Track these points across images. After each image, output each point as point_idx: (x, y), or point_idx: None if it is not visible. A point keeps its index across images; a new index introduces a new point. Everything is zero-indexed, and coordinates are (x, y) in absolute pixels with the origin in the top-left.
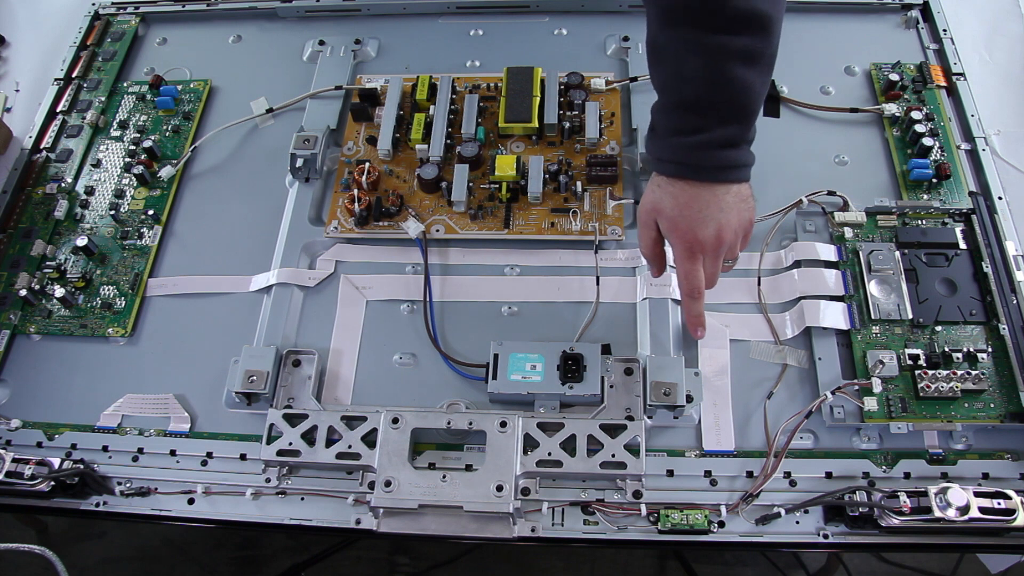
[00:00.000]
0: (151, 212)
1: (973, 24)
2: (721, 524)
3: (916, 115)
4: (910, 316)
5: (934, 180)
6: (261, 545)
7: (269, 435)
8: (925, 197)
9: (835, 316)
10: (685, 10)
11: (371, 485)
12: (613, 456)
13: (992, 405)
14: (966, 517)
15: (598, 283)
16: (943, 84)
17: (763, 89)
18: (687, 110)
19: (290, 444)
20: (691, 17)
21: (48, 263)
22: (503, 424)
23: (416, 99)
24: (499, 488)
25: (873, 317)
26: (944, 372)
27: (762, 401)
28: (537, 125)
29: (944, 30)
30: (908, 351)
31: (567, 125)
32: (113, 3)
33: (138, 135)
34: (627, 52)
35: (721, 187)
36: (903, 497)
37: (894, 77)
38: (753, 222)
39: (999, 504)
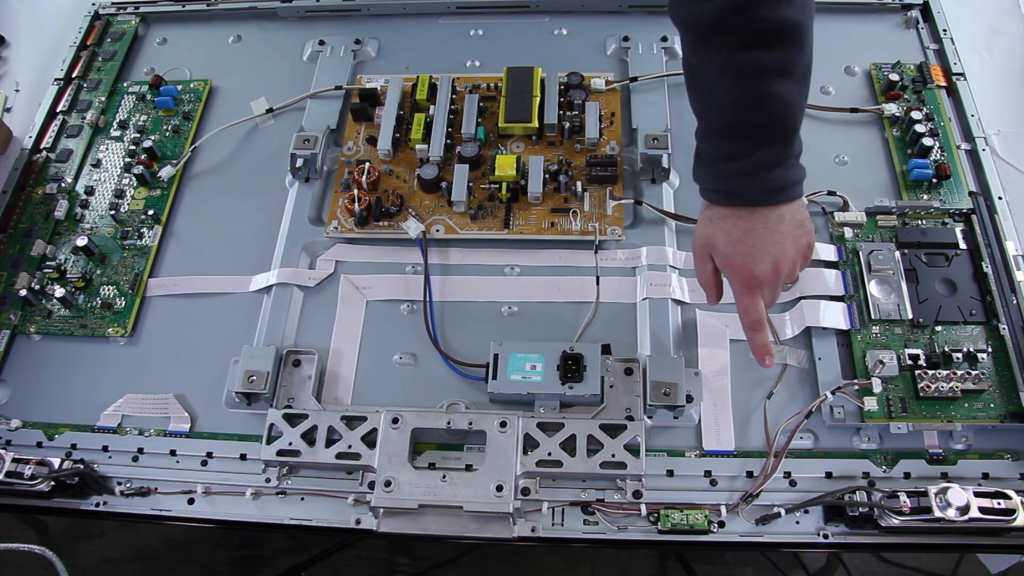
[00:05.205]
0: (151, 212)
1: (973, 24)
2: (721, 524)
3: (916, 115)
4: (910, 316)
5: (934, 180)
6: (261, 545)
7: (269, 435)
8: (925, 197)
9: (835, 316)
10: (713, 29)
11: (371, 485)
12: (613, 456)
13: (992, 405)
14: (966, 517)
15: (598, 283)
16: (943, 84)
17: (802, 101)
18: (726, 135)
19: (290, 444)
20: (720, 36)
21: (48, 263)
22: (503, 424)
23: (416, 99)
24: (499, 488)
25: (873, 317)
26: (944, 372)
27: (762, 401)
28: (537, 125)
29: (944, 30)
30: (908, 351)
31: (567, 125)
32: (113, 3)
33: (138, 135)
34: (627, 52)
35: (773, 212)
36: (903, 497)
37: (894, 77)
38: (812, 245)
39: (999, 504)
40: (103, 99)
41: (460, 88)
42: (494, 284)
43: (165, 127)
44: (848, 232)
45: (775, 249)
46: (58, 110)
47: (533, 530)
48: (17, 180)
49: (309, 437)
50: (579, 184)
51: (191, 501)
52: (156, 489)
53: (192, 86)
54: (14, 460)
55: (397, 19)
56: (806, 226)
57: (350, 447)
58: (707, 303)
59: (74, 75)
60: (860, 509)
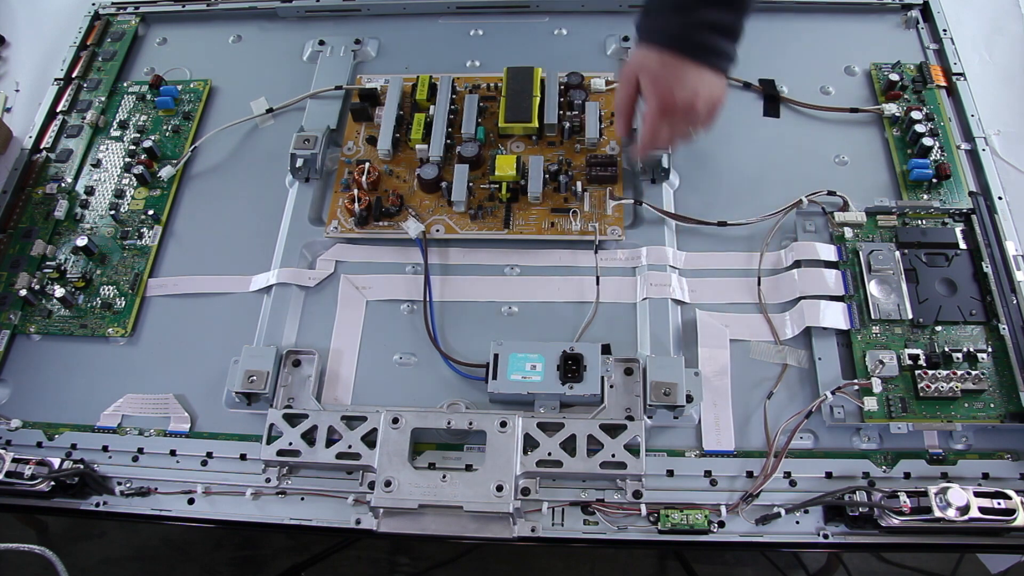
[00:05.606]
0: (151, 212)
1: (973, 24)
2: (721, 524)
3: (916, 115)
4: (910, 316)
5: (934, 180)
6: (261, 545)
7: (269, 435)
8: (925, 197)
9: (835, 316)
10: None
11: (371, 485)
12: (613, 456)
13: (992, 405)
14: (966, 517)
15: (598, 283)
16: (943, 84)
17: None
18: None
19: (290, 444)
20: None
21: (48, 263)
22: (503, 424)
23: (416, 99)
24: (499, 488)
25: (873, 317)
26: (944, 372)
27: (762, 401)
28: (537, 125)
29: (944, 30)
30: (908, 351)
31: (567, 125)
32: (113, 3)
33: (138, 135)
34: (627, 52)
35: (704, 68)
36: (903, 497)
37: (894, 77)
38: (722, 103)
39: (999, 504)
40: (103, 99)
41: (460, 88)
42: (494, 284)
43: (165, 127)
44: (848, 232)
45: (699, 85)
46: (58, 110)
47: (533, 530)
48: (17, 180)
49: (309, 437)
50: (579, 184)
51: (191, 501)
52: (156, 489)
53: (192, 86)
54: (14, 460)
55: (397, 19)
56: (723, 85)
57: (350, 447)
58: (616, 132)
59: (74, 75)
60: (860, 509)
